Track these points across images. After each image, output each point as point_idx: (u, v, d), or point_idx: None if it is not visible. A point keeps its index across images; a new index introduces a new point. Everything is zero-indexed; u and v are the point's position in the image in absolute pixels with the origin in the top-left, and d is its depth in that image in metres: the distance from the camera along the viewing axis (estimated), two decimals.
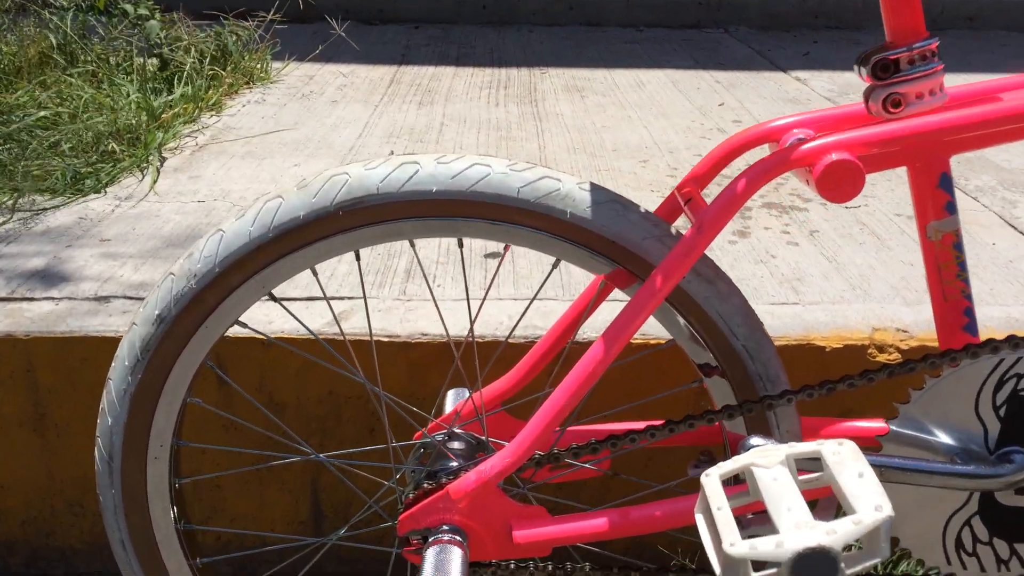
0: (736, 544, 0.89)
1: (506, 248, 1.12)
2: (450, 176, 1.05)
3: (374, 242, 1.09)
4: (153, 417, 1.16)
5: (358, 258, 1.13)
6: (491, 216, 1.07)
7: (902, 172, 2.33)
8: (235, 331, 1.54)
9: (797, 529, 0.88)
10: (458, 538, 1.11)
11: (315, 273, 1.15)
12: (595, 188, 1.08)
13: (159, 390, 1.14)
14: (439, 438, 1.24)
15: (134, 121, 2.43)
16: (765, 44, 4.04)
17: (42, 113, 2.42)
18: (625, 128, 2.71)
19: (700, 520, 0.99)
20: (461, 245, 1.12)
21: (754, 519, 1.17)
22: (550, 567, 1.18)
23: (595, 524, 1.12)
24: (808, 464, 1.00)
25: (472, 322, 1.27)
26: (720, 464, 1.00)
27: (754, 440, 1.06)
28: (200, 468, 1.64)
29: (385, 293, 1.66)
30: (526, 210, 1.06)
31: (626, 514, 1.12)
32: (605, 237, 1.07)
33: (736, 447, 1.20)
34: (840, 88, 3.23)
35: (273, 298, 1.15)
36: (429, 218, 1.07)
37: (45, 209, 2.01)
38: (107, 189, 2.15)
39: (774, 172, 0.99)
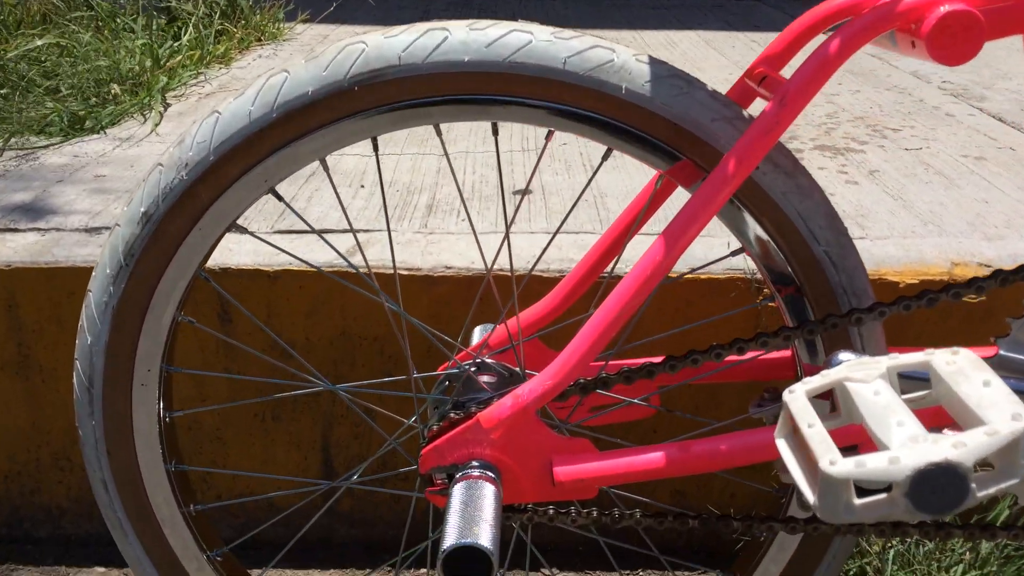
0: (837, 462, 0.72)
1: (549, 135, 0.96)
2: (485, 44, 0.89)
3: (395, 127, 0.93)
4: (139, 337, 1.00)
5: (375, 147, 0.97)
6: (532, 94, 0.91)
7: (964, 117, 2.15)
8: (238, 261, 1.39)
9: (914, 443, 0.71)
10: (490, 474, 0.96)
11: (326, 167, 0.99)
12: (655, 62, 0.92)
13: (145, 304, 0.99)
14: (467, 368, 1.08)
15: (138, 67, 2.28)
16: (800, 12, 3.85)
17: (42, 59, 2.28)
18: None
19: (784, 447, 0.83)
20: (496, 132, 0.96)
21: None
22: (595, 513, 1.02)
23: (650, 460, 0.96)
24: (910, 385, 0.84)
25: (508, 225, 1.10)
26: (806, 380, 0.84)
27: (844, 355, 0.90)
28: (198, 407, 1.49)
29: (405, 226, 1.51)
30: (573, 85, 0.90)
31: (687, 448, 0.96)
32: (666, 119, 0.91)
33: (807, 374, 1.03)
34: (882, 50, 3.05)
35: (276, 195, 0.99)
36: (459, 97, 0.91)
37: (38, 148, 1.87)
38: (107, 131, 2.00)
39: (875, 29, 0.83)
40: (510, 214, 1.58)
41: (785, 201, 0.94)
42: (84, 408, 1.02)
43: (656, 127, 0.92)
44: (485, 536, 0.85)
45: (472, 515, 0.88)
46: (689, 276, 1.36)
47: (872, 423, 0.77)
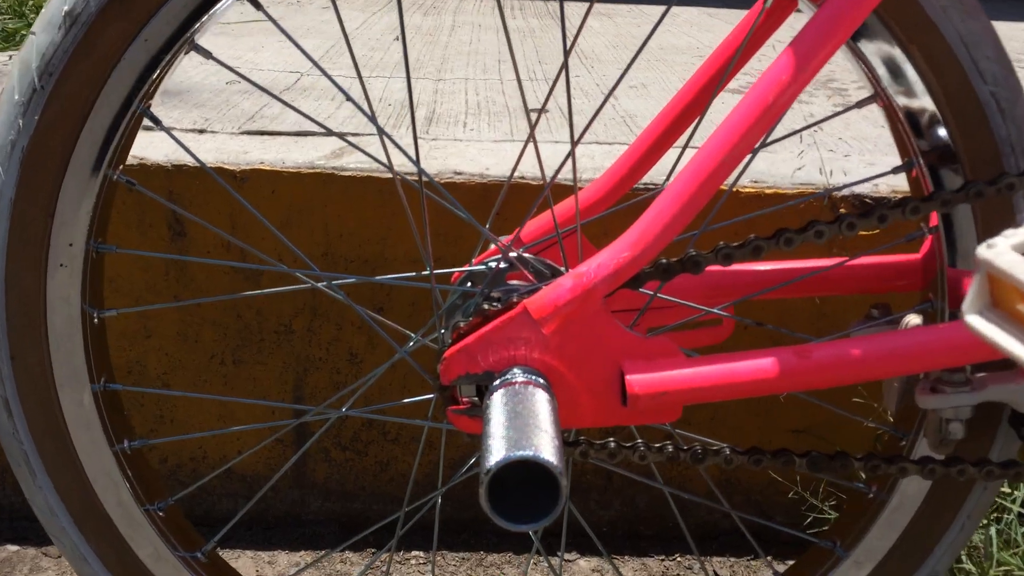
0: None
1: (589, 8, 0.71)
2: None
3: None
4: (58, 196, 0.73)
5: None
6: None
7: None
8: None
9: None
10: (540, 380, 0.70)
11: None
12: None
13: (68, 149, 0.72)
14: (498, 263, 0.82)
15: None
16: None
17: None
18: (669, 36, 2.33)
19: (978, 323, 0.58)
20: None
21: (987, 377, 0.76)
22: (670, 448, 0.76)
23: (758, 368, 0.71)
24: None
25: (568, 96, 0.85)
26: (1007, 233, 0.59)
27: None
28: (151, 332, 1.21)
29: (402, 132, 1.25)
30: None
31: (806, 355, 0.71)
32: None
33: (954, 285, 0.79)
34: None
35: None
36: None
37: None
38: None
39: None
40: (525, 129, 1.33)
41: (945, 20, 0.70)
42: None
43: None
44: (547, 448, 0.59)
45: (524, 425, 0.62)
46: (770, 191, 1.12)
47: None
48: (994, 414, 0.80)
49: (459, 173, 1.13)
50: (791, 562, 0.92)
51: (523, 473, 0.60)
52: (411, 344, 0.85)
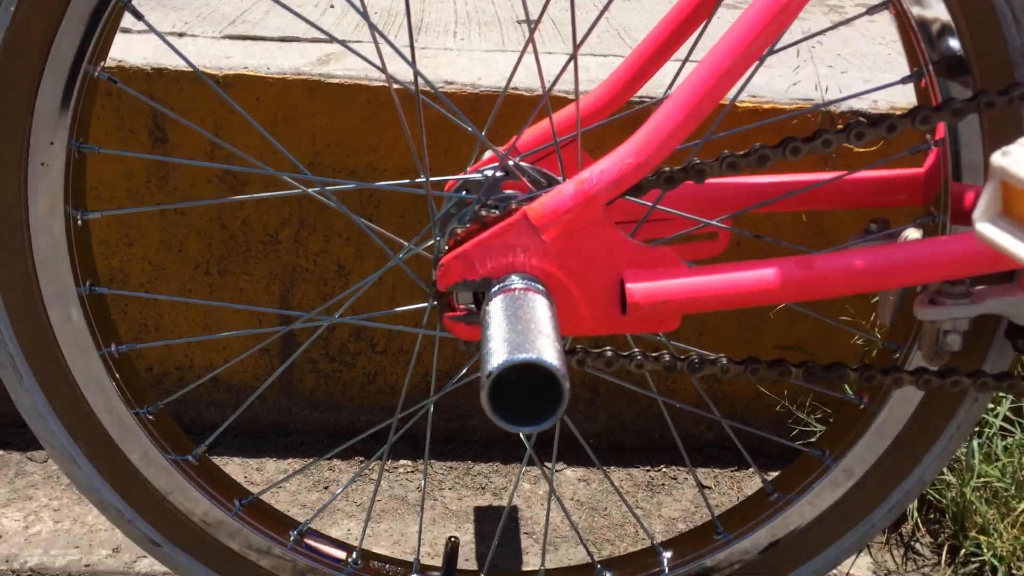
0: None
1: None
2: None
3: None
4: (37, 91, 0.70)
5: None
6: None
7: None
8: (177, 62, 1.06)
9: None
10: (539, 287, 0.69)
11: None
12: None
13: (47, 39, 0.69)
14: (495, 171, 0.80)
15: None
16: None
17: None
18: None
19: (990, 231, 0.57)
20: None
21: (987, 290, 0.76)
22: (667, 357, 0.76)
23: (760, 279, 0.70)
24: None
25: None
26: (1023, 140, 0.58)
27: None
28: (131, 238, 1.19)
29: (391, 39, 1.21)
30: None
31: (809, 265, 0.70)
32: None
33: (956, 199, 0.78)
34: None
35: None
36: None
37: None
38: None
39: None
40: (516, 40, 1.29)
41: None
42: None
43: None
44: (549, 351, 0.58)
45: (525, 329, 0.61)
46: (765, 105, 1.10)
47: None
48: (990, 326, 0.80)
49: (450, 83, 1.10)
50: (775, 473, 0.93)
51: (522, 377, 0.59)
52: (405, 251, 0.84)
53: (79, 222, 0.77)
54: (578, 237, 0.70)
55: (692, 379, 0.80)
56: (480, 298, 0.73)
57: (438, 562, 1.06)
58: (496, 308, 0.65)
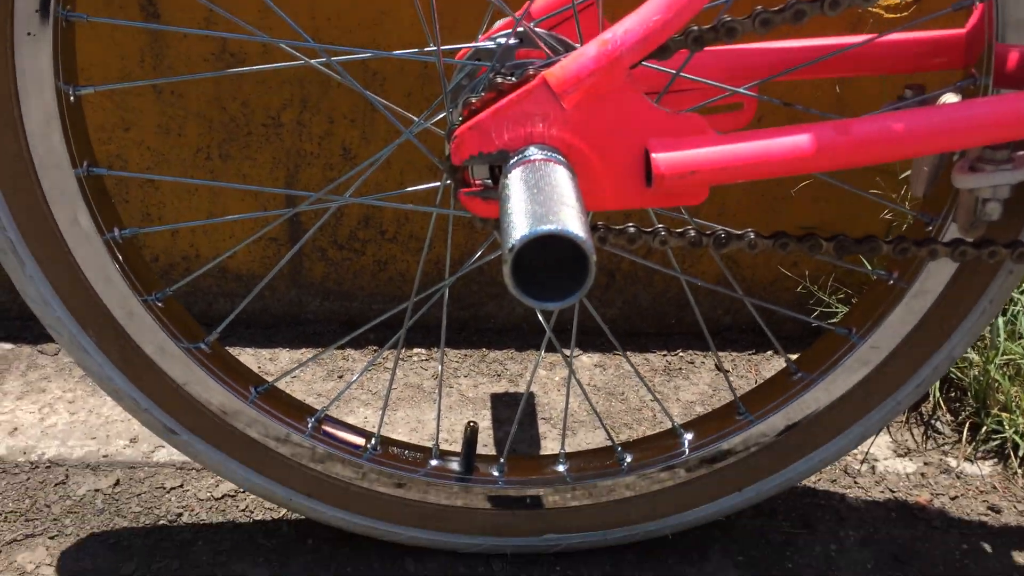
0: None
1: None
2: None
3: None
4: None
5: None
6: None
7: None
8: None
9: None
10: (559, 157, 0.65)
11: None
12: None
13: None
14: (508, 38, 0.75)
15: None
16: None
17: None
18: None
19: None
20: None
21: None
22: (692, 233, 0.73)
23: (795, 145, 0.66)
24: None
25: None
26: None
27: None
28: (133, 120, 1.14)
29: None
30: None
31: (846, 130, 0.66)
32: None
33: (1001, 60, 0.73)
34: None
35: None
36: None
37: None
38: None
39: None
40: None
41: None
42: None
43: None
44: (573, 221, 0.55)
45: (547, 200, 0.58)
46: None
47: None
48: None
49: None
50: (795, 356, 0.91)
51: (545, 251, 0.56)
52: (416, 125, 0.80)
53: (71, 98, 0.73)
54: (600, 104, 0.65)
55: (715, 256, 0.77)
56: (497, 172, 0.69)
57: (457, 448, 1.06)
58: (515, 180, 0.61)
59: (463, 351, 1.22)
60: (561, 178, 0.61)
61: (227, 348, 1.18)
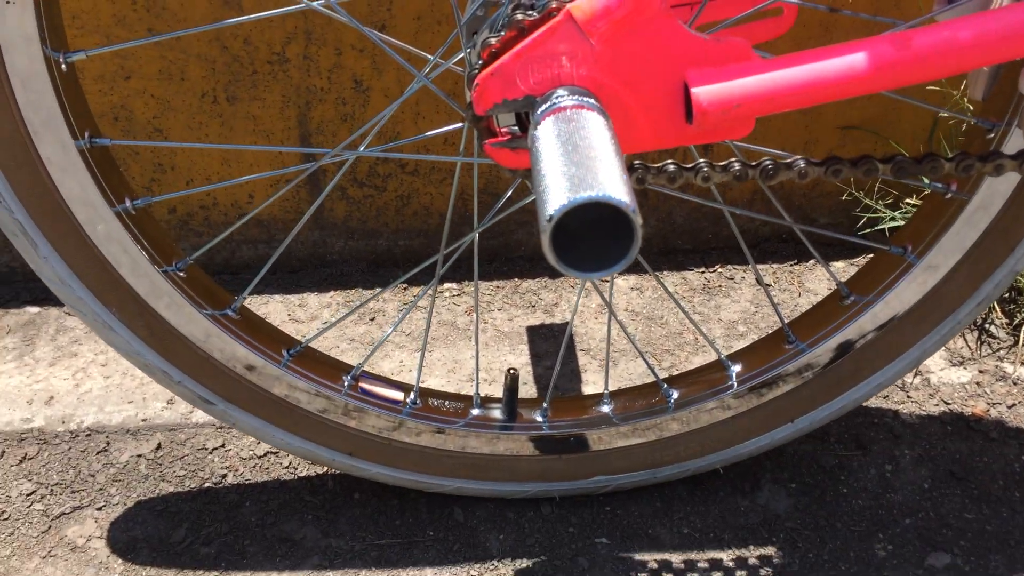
0: None
1: None
2: None
3: None
4: None
5: None
6: None
7: None
8: None
9: None
10: (591, 102, 0.59)
11: None
12: None
13: None
14: None
15: None
16: None
17: None
18: None
19: None
20: None
21: None
22: (737, 166, 0.68)
23: (850, 65, 0.60)
24: None
25: None
26: None
27: None
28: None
29: None
30: None
31: (905, 44, 0.60)
32: None
33: None
34: None
35: None
36: None
37: None
38: None
39: None
40: None
41: None
42: None
43: None
44: (615, 185, 0.50)
45: (584, 159, 0.53)
46: None
47: None
48: None
49: None
50: (839, 264, 0.86)
51: (583, 214, 0.52)
52: (429, 67, 0.74)
53: (63, 66, 0.68)
54: (633, 36, 0.60)
55: (762, 186, 0.72)
56: (524, 118, 0.64)
57: (495, 390, 1.04)
58: (546, 134, 0.56)
59: (495, 283, 1.19)
60: (596, 128, 0.56)
61: (254, 296, 1.16)
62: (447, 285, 1.19)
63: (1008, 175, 0.75)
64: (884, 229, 1.15)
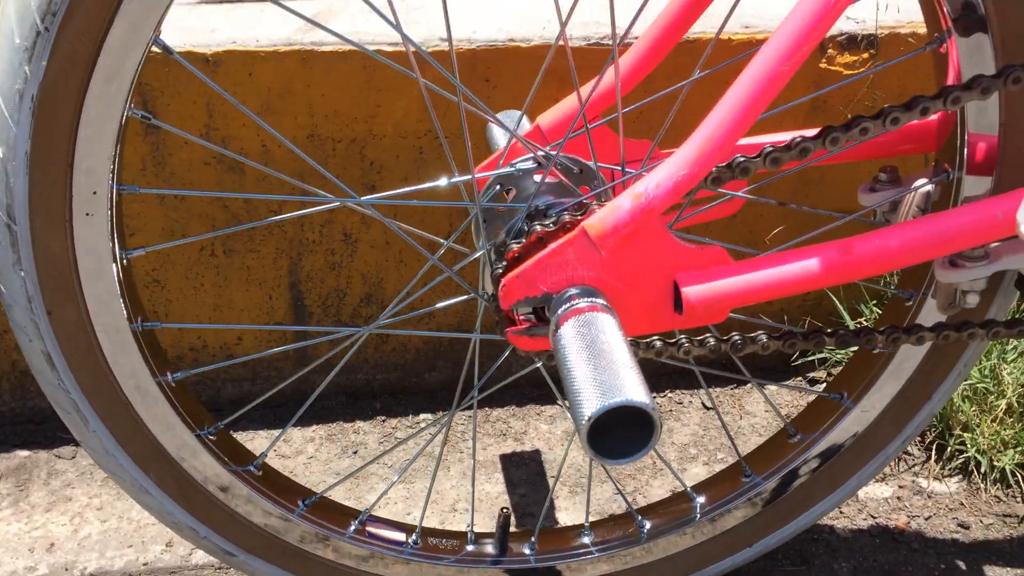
0: None
1: None
2: None
3: None
4: (75, 141, 0.68)
5: None
6: None
7: None
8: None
9: None
10: (600, 302, 0.71)
11: None
12: None
13: (81, 91, 0.66)
14: (530, 164, 0.81)
15: None
16: None
17: None
18: None
19: None
20: None
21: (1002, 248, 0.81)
22: (712, 341, 0.81)
23: (804, 269, 0.74)
24: None
25: None
26: None
27: None
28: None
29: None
30: None
31: (848, 250, 0.74)
32: None
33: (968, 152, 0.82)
34: None
35: None
36: None
37: None
38: None
39: None
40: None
41: None
42: (5, 254, 0.70)
43: None
44: (635, 389, 0.62)
45: (608, 365, 0.64)
46: None
47: None
48: (997, 278, 0.86)
49: (444, 39, 1.08)
50: (772, 387, 1.00)
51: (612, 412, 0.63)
52: (444, 258, 0.85)
53: (125, 261, 0.76)
54: (635, 248, 0.72)
55: (733, 356, 0.84)
56: (540, 310, 0.76)
57: (473, 517, 1.12)
58: (569, 339, 0.67)
59: (467, 413, 1.29)
60: (611, 332, 0.67)
61: (239, 432, 1.23)
62: (422, 416, 1.28)
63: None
64: (814, 360, 1.31)
